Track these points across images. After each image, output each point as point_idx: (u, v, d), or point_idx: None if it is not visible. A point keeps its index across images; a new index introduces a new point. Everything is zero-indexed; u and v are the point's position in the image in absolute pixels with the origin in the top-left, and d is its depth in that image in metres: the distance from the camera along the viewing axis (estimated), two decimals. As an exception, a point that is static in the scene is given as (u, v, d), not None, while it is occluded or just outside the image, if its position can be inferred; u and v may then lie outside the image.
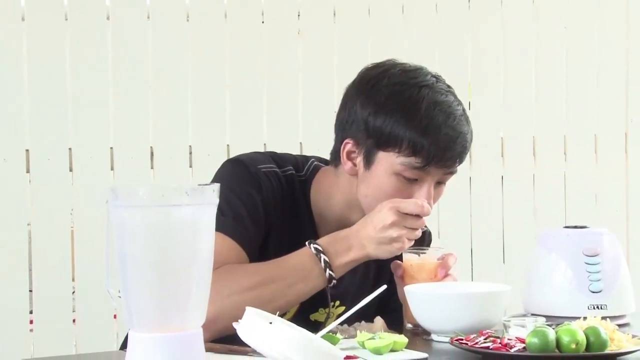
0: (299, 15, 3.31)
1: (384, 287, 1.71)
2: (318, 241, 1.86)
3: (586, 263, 2.00)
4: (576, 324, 1.64)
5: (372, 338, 1.66)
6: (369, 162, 1.87)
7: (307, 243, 1.86)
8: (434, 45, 3.51)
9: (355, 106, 1.89)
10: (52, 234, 3.00)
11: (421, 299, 1.83)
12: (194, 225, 1.43)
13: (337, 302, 2.00)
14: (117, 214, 1.43)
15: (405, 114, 1.83)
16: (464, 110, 1.91)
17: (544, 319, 1.75)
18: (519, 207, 3.62)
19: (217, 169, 1.98)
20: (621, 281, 2.02)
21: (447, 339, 1.73)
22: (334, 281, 1.85)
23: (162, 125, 3.14)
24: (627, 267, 2.06)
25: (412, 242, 1.87)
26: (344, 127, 1.91)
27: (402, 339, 1.67)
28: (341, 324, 1.76)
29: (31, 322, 3.01)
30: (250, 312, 1.50)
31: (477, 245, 3.55)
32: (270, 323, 1.48)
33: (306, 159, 2.02)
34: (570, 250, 2.01)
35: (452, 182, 3.46)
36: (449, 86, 1.92)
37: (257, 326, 1.47)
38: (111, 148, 3.08)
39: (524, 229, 3.61)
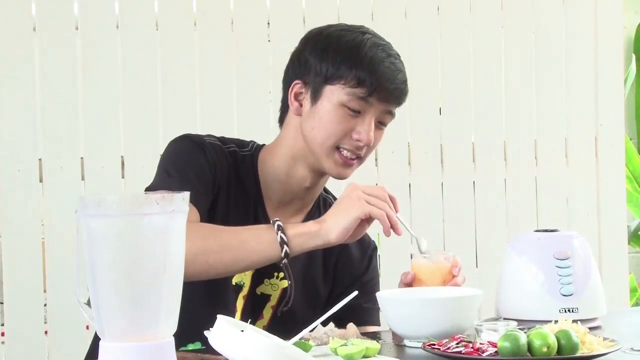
0: (268, 24, 3.31)
1: (355, 293, 1.72)
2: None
3: (557, 266, 2.01)
4: (547, 328, 1.65)
5: (345, 344, 1.66)
6: (315, 97, 2.01)
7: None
8: (404, 51, 3.51)
9: (304, 53, 2.05)
10: (23, 246, 2.98)
11: (393, 304, 1.83)
12: (164, 233, 1.43)
13: (282, 275, 2.05)
14: (87, 223, 1.42)
15: (351, 51, 2.00)
16: (401, 60, 2.09)
17: (515, 323, 1.75)
18: (491, 212, 3.63)
19: None
20: (592, 284, 2.03)
21: (420, 345, 1.73)
22: (286, 247, 1.89)
23: (133, 134, 3.12)
24: (598, 270, 2.07)
25: (372, 218, 1.92)
26: (294, 72, 2.06)
27: (375, 345, 1.68)
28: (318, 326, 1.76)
29: (2, 334, 2.99)
30: (221, 320, 1.49)
31: (449, 249, 3.54)
32: (242, 331, 1.47)
33: (248, 141, 2.14)
34: (541, 254, 2.02)
35: (424, 187, 3.51)
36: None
37: (228, 334, 1.47)
38: (81, 158, 3.06)
39: (496, 233, 3.62)
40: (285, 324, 2.01)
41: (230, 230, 1.92)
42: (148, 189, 2.00)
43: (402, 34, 3.51)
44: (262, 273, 2.03)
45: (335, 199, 2.19)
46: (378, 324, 2.17)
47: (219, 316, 1.51)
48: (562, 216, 3.72)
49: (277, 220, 1.90)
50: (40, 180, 3.01)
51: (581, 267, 2.02)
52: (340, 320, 1.97)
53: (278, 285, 2.05)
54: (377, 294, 1.87)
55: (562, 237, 2.06)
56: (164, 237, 1.43)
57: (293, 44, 3.37)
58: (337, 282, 2.15)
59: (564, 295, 1.98)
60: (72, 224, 1.54)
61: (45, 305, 3.02)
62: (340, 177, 2.06)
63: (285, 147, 2.06)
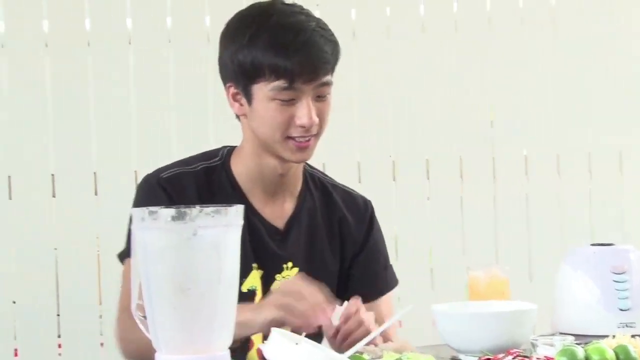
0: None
1: (411, 306, 1.71)
2: None
3: (614, 281, 1.99)
4: (605, 343, 1.63)
5: (399, 359, 1.66)
6: (248, 98, 1.97)
7: None
8: (453, 63, 3.50)
9: (222, 55, 2.01)
10: (79, 259, 3.01)
11: (448, 319, 1.82)
12: (218, 246, 1.43)
13: (290, 264, 2.04)
14: (142, 236, 1.43)
15: (258, 43, 1.93)
16: (319, 24, 1.98)
17: (572, 337, 1.73)
18: (544, 225, 3.60)
19: None
20: (650, 298, 2.00)
21: (475, 359, 1.72)
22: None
23: (186, 146, 3.13)
24: (655, 284, 2.04)
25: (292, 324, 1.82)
26: (223, 75, 2.02)
27: (429, 358, 1.66)
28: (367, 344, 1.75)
29: (59, 346, 3.02)
30: (276, 333, 1.49)
31: (503, 262, 3.53)
32: (297, 344, 1.47)
33: (217, 149, 2.11)
34: (597, 268, 2.00)
35: (476, 200, 3.48)
36: (302, 8, 2.01)
37: (283, 347, 1.47)
38: (135, 171, 3.09)
39: (551, 247, 3.58)
40: None
41: None
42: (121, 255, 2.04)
43: (452, 47, 3.50)
44: (270, 271, 2.02)
45: (321, 172, 2.18)
46: (395, 285, 2.16)
47: (273, 329, 1.51)
48: (617, 229, 3.68)
49: None
50: (96, 194, 3.04)
51: (638, 281, 2.00)
52: (356, 292, 1.95)
53: (290, 275, 2.04)
54: (434, 308, 1.86)
55: (619, 251, 2.04)
56: (218, 250, 1.43)
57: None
58: (345, 253, 2.12)
59: (622, 310, 1.96)
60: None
61: (100, 317, 3.05)
62: (301, 161, 2.03)
63: (248, 144, 2.04)
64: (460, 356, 1.80)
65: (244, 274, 2.00)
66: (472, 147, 3.52)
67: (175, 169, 2.05)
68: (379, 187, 3.32)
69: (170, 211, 1.42)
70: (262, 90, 1.94)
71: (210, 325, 1.43)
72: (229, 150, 2.09)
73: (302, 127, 1.95)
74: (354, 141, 3.36)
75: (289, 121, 1.95)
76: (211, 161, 2.07)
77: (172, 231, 1.42)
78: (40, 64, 3.02)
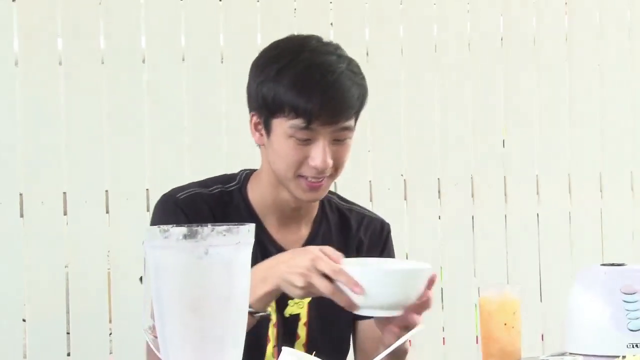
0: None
1: (422, 327, 1.71)
2: None
3: (624, 301, 1.98)
4: (615, 363, 1.63)
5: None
6: (268, 131, 1.97)
7: None
8: (467, 83, 3.51)
9: (249, 84, 2.00)
10: (89, 276, 3.01)
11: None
12: (229, 265, 1.43)
13: None
14: (153, 254, 1.44)
15: (282, 81, 1.92)
16: (349, 67, 1.95)
17: (582, 357, 1.73)
18: (555, 245, 3.60)
19: None
20: (660, 319, 2.00)
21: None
22: (261, 314, 1.83)
23: (199, 166, 3.15)
24: (666, 305, 2.04)
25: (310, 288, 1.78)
26: (248, 103, 2.02)
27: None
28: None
29: (69, 363, 3.02)
30: (286, 351, 1.50)
31: (513, 282, 3.53)
32: (306, 363, 1.48)
33: (236, 174, 2.11)
34: (608, 288, 2.00)
35: (488, 220, 3.48)
36: (337, 48, 1.98)
37: (293, 367, 1.47)
38: (147, 190, 3.10)
39: (561, 267, 3.58)
40: (322, 335, 2.03)
41: None
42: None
43: (465, 67, 3.51)
44: (284, 295, 1.98)
45: (338, 196, 2.18)
46: None
47: (284, 348, 1.51)
48: (628, 250, 3.67)
49: None
50: (107, 212, 3.05)
51: (649, 301, 1.99)
52: None
53: (303, 302, 2.04)
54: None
55: (630, 272, 2.03)
56: (229, 269, 1.44)
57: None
58: None
59: (632, 331, 1.95)
60: (137, 255, 1.56)
61: (110, 335, 3.05)
62: (312, 201, 2.03)
63: (265, 174, 2.05)
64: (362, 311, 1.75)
65: None
66: (484, 166, 3.52)
67: (192, 189, 2.05)
68: (391, 206, 3.32)
69: (182, 229, 1.42)
70: (281, 125, 1.94)
71: (220, 343, 1.43)
72: (247, 175, 2.10)
73: (315, 168, 1.95)
74: (366, 160, 3.36)
75: (303, 160, 1.95)
76: (228, 185, 2.08)
77: (184, 250, 1.42)
78: (54, 81, 3.03)
